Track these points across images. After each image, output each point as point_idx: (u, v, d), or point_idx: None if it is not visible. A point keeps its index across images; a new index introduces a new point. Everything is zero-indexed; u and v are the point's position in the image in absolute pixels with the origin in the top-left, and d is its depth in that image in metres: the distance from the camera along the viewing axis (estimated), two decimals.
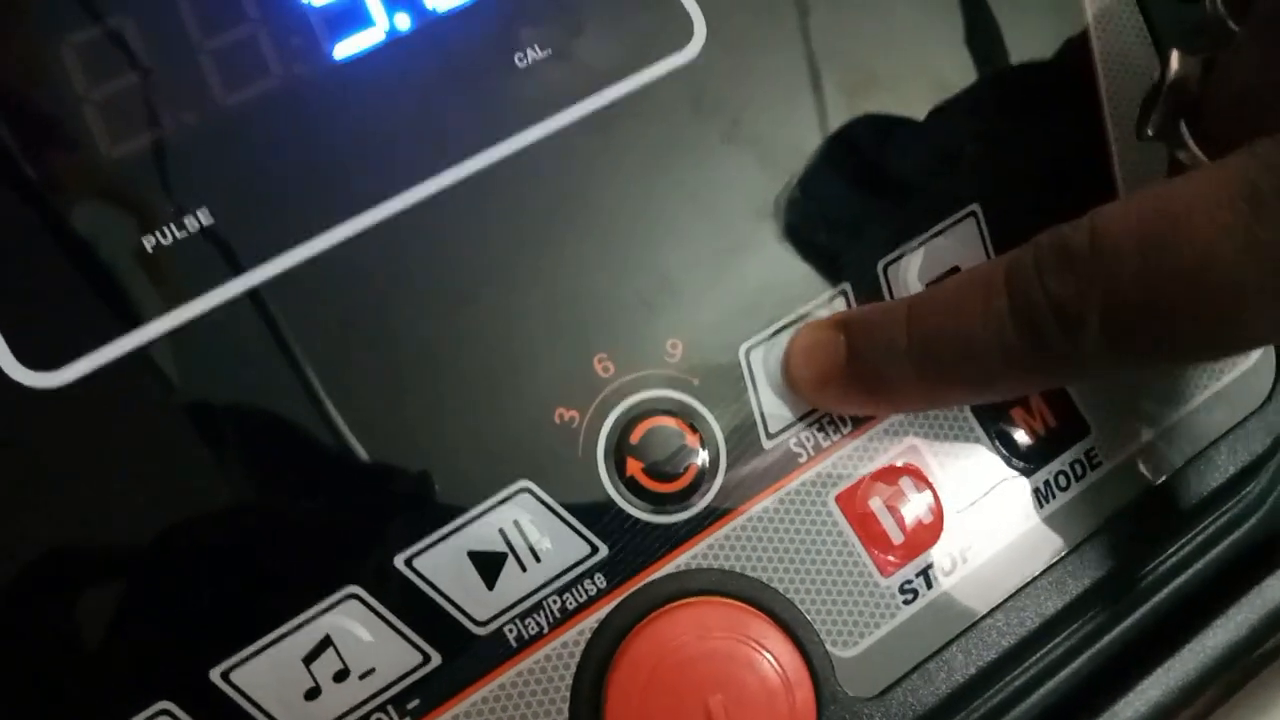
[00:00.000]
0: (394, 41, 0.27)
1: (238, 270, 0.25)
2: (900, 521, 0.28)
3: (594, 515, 0.26)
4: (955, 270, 0.29)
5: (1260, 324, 0.21)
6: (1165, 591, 0.31)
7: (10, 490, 0.24)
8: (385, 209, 0.26)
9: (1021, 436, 0.29)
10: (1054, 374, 0.24)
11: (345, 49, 0.27)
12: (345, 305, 0.26)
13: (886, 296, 0.29)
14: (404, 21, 0.27)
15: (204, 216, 0.25)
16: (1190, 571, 0.31)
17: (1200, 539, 0.31)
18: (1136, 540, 0.30)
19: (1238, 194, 0.20)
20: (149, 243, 0.25)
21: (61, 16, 0.25)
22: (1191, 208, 0.21)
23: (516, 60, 0.27)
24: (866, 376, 0.26)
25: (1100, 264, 0.21)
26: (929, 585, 0.28)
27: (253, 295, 0.25)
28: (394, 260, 0.26)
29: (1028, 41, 0.31)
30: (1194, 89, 0.26)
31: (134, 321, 0.25)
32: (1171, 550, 0.31)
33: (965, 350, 0.24)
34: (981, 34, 0.30)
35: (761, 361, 0.28)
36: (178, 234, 0.25)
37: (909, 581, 0.28)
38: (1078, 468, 0.29)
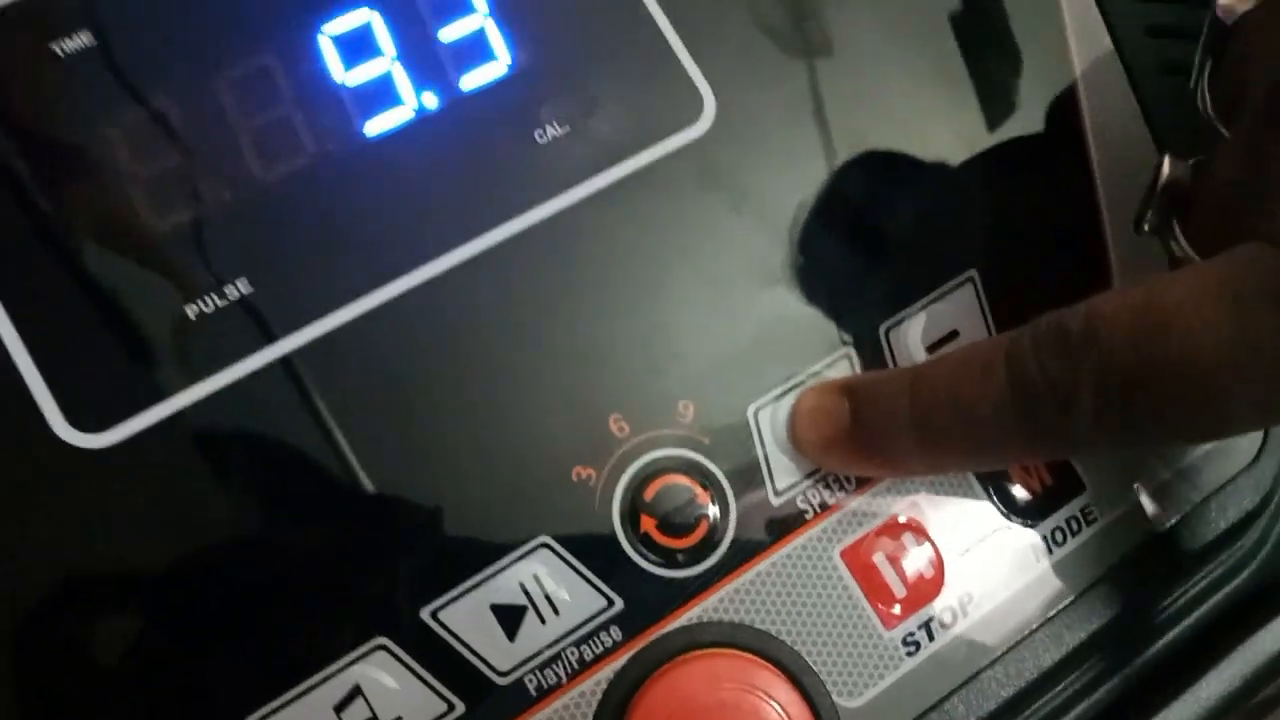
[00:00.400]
0: (422, 119, 0.29)
1: (274, 337, 0.27)
2: (903, 575, 0.29)
3: (610, 570, 0.28)
4: (954, 334, 0.30)
5: (1240, 410, 0.22)
6: (1160, 643, 0.32)
7: (55, 541, 0.25)
8: (412, 278, 0.28)
9: (1019, 494, 0.30)
10: (1048, 448, 0.26)
11: (376, 126, 0.28)
12: (375, 370, 0.27)
13: (888, 359, 0.30)
14: (432, 100, 0.29)
15: (243, 286, 0.27)
16: (1184, 624, 0.32)
17: (1193, 592, 0.32)
18: (1131, 594, 0.31)
19: (1220, 293, 0.22)
20: (191, 311, 0.26)
21: (110, 99, 0.27)
22: (1181, 303, 0.22)
23: (537, 137, 0.29)
24: (870, 442, 0.27)
25: (1094, 349, 0.23)
26: (931, 637, 0.29)
27: (287, 360, 0.27)
28: (420, 327, 0.28)
29: (1022, 117, 0.32)
30: (1185, 190, 0.27)
31: (177, 385, 0.26)
32: (1166, 603, 0.32)
33: (965, 422, 0.25)
34: (978, 110, 0.32)
35: (769, 421, 0.29)
36: (218, 302, 0.27)
37: (911, 634, 0.29)
38: (1074, 524, 0.30)
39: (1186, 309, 0.22)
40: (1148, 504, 0.31)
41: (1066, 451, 0.29)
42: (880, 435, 0.27)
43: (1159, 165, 0.28)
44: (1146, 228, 0.28)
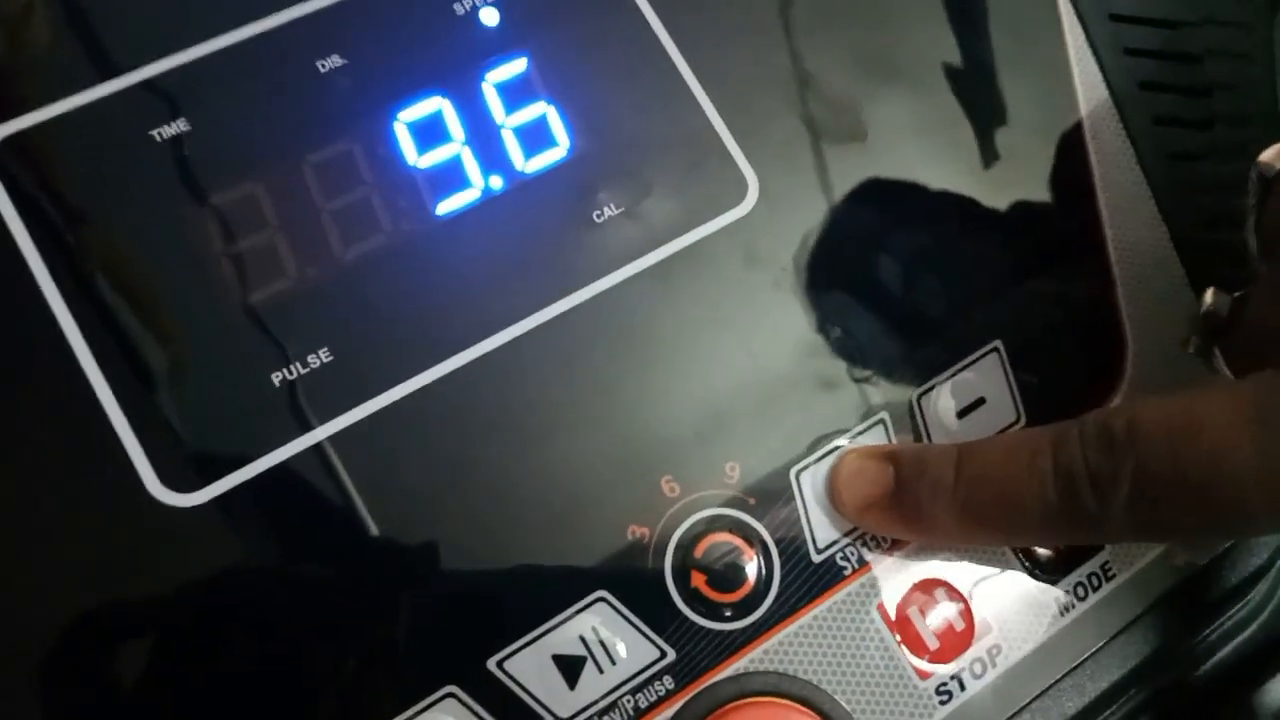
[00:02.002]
0: (488, 200, 0.31)
1: (351, 404, 0.29)
2: (935, 629, 0.31)
3: (662, 622, 0.29)
4: (981, 400, 0.33)
5: (1261, 522, 0.25)
6: (1177, 690, 0.33)
7: (151, 593, 0.27)
8: (479, 349, 0.30)
9: (1043, 552, 0.32)
10: (1082, 533, 0.28)
11: (446, 207, 0.31)
12: (445, 434, 0.29)
13: (920, 425, 0.32)
14: (497, 182, 0.31)
15: (325, 355, 0.29)
16: (1199, 673, 0.34)
17: (1207, 643, 0.34)
18: (1148, 645, 0.33)
19: (1248, 414, 0.24)
20: (277, 379, 0.28)
21: (202, 182, 0.29)
22: (1213, 418, 0.25)
23: (594, 217, 0.31)
24: (911, 507, 0.29)
25: (1134, 446, 0.26)
26: (962, 687, 0.31)
27: (364, 425, 0.29)
28: (487, 394, 0.30)
29: (1043, 200, 0.35)
30: (1223, 319, 0.30)
31: (263, 448, 0.28)
32: (1182, 653, 0.34)
33: (1007, 500, 0.27)
34: (1002, 193, 0.34)
35: (810, 482, 0.31)
36: (302, 370, 0.29)
37: (944, 684, 0.31)
38: (1094, 579, 0.32)
39: (1218, 424, 0.25)
40: (1183, 548, 0.33)
41: (1096, 538, 0.31)
42: (922, 503, 0.29)
43: (1202, 296, 0.30)
44: (1191, 350, 0.31)
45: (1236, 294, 0.30)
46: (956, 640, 0.31)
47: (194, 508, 0.27)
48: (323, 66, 0.31)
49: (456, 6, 0.32)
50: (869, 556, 0.31)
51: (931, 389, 0.32)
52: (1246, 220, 0.31)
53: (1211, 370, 0.31)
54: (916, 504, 0.29)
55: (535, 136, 0.32)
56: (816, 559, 0.31)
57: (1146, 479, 0.25)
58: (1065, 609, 0.32)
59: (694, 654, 0.29)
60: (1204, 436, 0.25)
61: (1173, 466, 0.25)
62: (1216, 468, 0.24)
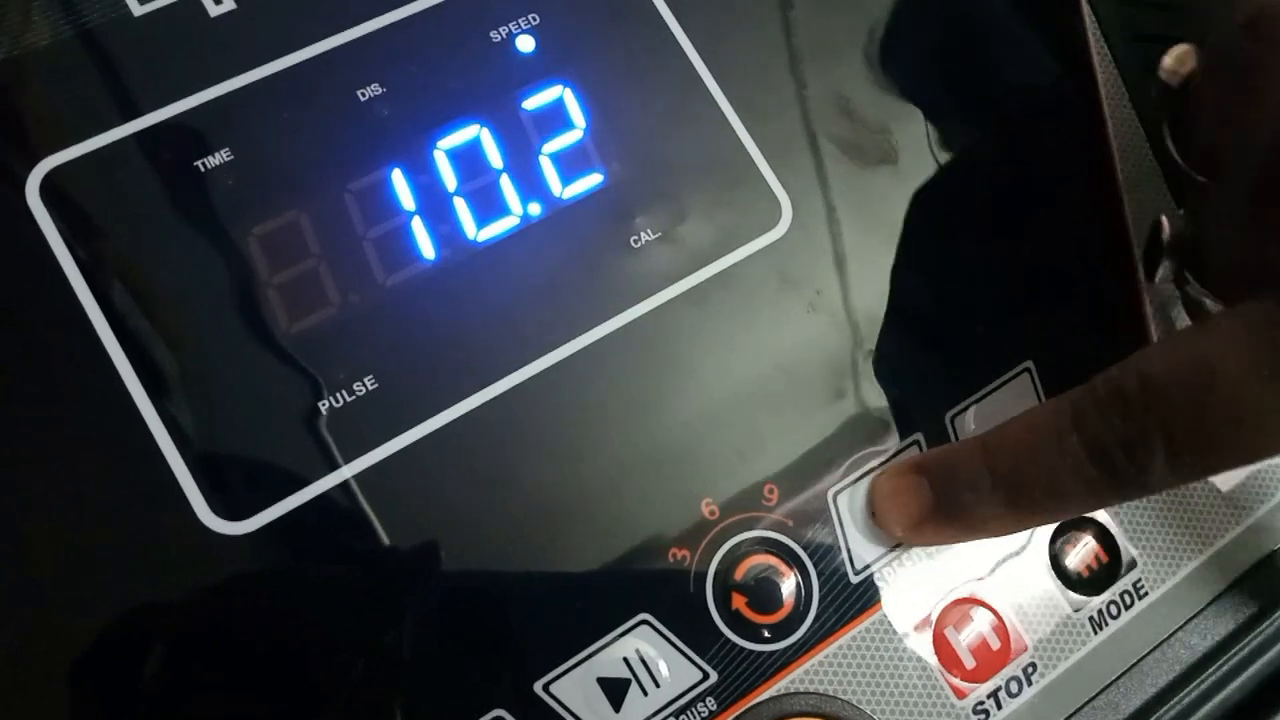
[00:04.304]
0: (527, 227, 0.31)
1: (395, 431, 0.29)
2: (972, 648, 0.31)
3: (704, 644, 0.30)
4: None
5: None
6: (1206, 708, 0.34)
7: (202, 618, 0.27)
8: (521, 374, 0.30)
9: (1077, 571, 0.33)
10: (1127, 495, 0.28)
11: (487, 233, 0.31)
12: (490, 459, 0.30)
13: None
14: (536, 209, 0.31)
15: (370, 383, 0.29)
16: (1228, 689, 0.34)
17: (1240, 658, 0.34)
18: (1179, 663, 0.33)
19: (1254, 341, 0.25)
20: (324, 406, 0.29)
21: (247, 212, 0.30)
22: (1224, 359, 0.25)
23: (632, 242, 0.32)
24: (956, 514, 0.29)
25: (1155, 407, 0.26)
26: (999, 706, 0.31)
27: (410, 451, 0.29)
28: (529, 419, 0.30)
29: (1073, 220, 0.35)
30: (1189, 241, 0.30)
31: (311, 475, 0.28)
32: (1210, 671, 0.34)
33: (1051, 484, 0.28)
34: (1033, 213, 0.35)
35: (847, 504, 0.32)
36: (348, 398, 0.29)
37: (981, 702, 0.31)
38: (1127, 598, 0.33)
39: (1230, 370, 0.25)
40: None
41: (1144, 494, 0.31)
42: (968, 506, 0.29)
43: (1158, 225, 0.31)
44: (1157, 281, 0.31)
45: (1180, 211, 0.30)
46: (993, 659, 0.31)
47: (245, 535, 0.28)
48: (363, 95, 0.31)
49: (493, 34, 0.32)
50: (906, 576, 0.31)
51: (965, 409, 0.33)
52: (1164, 134, 0.31)
53: (1190, 300, 0.31)
54: (962, 509, 0.29)
55: (572, 163, 0.32)
56: (854, 579, 0.31)
57: (1177, 439, 0.26)
58: (1098, 626, 0.32)
59: (736, 675, 0.30)
60: (1219, 384, 0.25)
61: (1199, 421, 0.26)
62: (1240, 412, 0.25)
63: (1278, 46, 0.27)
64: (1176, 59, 0.30)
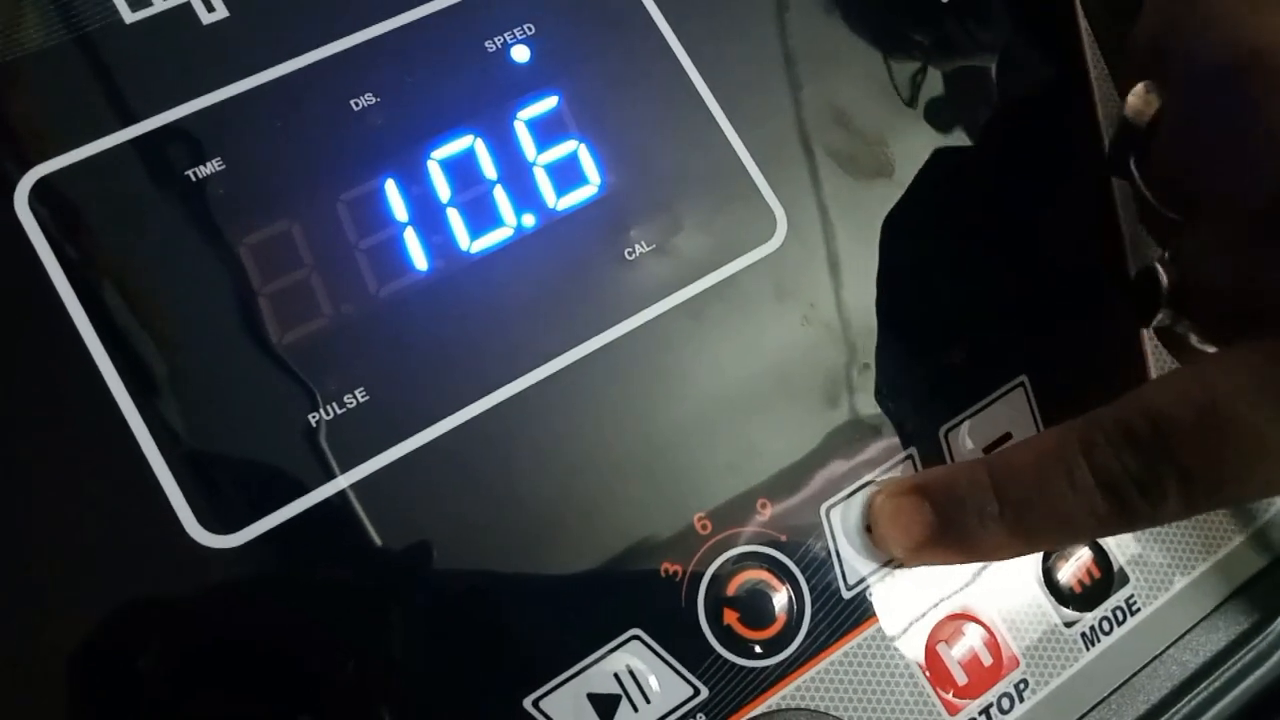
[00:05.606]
0: (521, 238, 0.31)
1: (386, 444, 0.29)
2: (964, 664, 0.31)
3: (696, 660, 0.30)
4: (1007, 435, 0.33)
5: None
6: None
7: (189, 631, 0.27)
8: (513, 387, 0.30)
9: (1070, 586, 0.32)
10: (1137, 527, 0.29)
11: (480, 245, 0.31)
12: (480, 473, 0.29)
13: (947, 459, 0.32)
14: (530, 220, 0.31)
15: (361, 395, 0.29)
16: (1219, 706, 0.34)
17: (1231, 675, 0.34)
18: (1171, 680, 0.33)
19: (1262, 385, 0.26)
20: (315, 418, 0.29)
21: (239, 221, 0.29)
22: (1229, 395, 0.26)
23: (626, 254, 0.32)
24: (960, 538, 0.29)
25: (1167, 447, 0.26)
26: None
27: (399, 464, 0.29)
28: (521, 432, 0.30)
29: (1068, 237, 0.35)
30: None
31: (301, 489, 0.28)
32: (1202, 687, 0.34)
33: (1060, 517, 0.28)
34: (1028, 229, 0.35)
35: (840, 519, 0.31)
36: (339, 411, 0.29)
37: (973, 718, 0.31)
38: (1119, 614, 0.33)
39: (1240, 411, 0.26)
40: None
41: (1154, 526, 0.32)
42: (972, 532, 0.29)
43: (1153, 273, 0.31)
44: (1153, 326, 0.32)
45: (1162, 255, 0.31)
46: (985, 675, 0.31)
47: (233, 548, 0.28)
48: (356, 104, 0.31)
49: (488, 44, 0.32)
50: (898, 592, 0.31)
51: (960, 424, 0.33)
52: (1131, 171, 0.31)
53: (1170, 334, 0.32)
54: (966, 534, 0.29)
55: (566, 174, 0.32)
56: (847, 595, 0.31)
57: (1191, 478, 0.26)
58: (1091, 643, 0.32)
59: (727, 691, 0.30)
60: (1230, 426, 0.26)
61: (1213, 460, 0.26)
62: (1252, 452, 0.26)
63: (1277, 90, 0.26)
64: (1142, 99, 0.30)
